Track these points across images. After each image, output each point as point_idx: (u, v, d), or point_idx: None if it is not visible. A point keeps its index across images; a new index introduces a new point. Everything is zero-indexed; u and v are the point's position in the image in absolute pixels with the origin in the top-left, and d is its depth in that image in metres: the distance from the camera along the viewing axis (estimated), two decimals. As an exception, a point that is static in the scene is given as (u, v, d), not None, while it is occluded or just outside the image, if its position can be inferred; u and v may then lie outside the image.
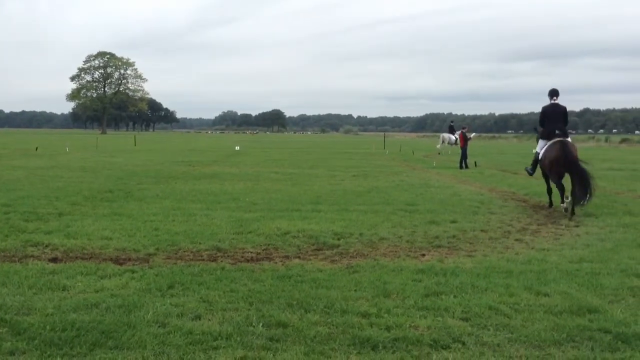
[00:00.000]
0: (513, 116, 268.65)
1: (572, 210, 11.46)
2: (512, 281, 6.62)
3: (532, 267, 7.29)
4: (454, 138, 38.27)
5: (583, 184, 11.46)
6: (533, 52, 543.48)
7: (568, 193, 11.86)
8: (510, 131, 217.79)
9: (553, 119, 12.75)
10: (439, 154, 38.94)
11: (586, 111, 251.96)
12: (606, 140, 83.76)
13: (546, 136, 12.77)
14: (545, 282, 6.61)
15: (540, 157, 12.94)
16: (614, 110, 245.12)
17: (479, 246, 8.69)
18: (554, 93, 12.95)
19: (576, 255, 8.01)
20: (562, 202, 12.14)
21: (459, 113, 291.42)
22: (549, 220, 11.28)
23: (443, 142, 40.83)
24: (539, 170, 13.59)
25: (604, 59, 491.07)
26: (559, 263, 7.56)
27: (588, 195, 11.43)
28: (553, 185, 12.80)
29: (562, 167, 12.07)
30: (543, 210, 12.53)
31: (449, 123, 43.91)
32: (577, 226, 10.53)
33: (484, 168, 26.14)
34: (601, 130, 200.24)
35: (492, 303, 5.79)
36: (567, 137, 12.56)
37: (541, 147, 12.98)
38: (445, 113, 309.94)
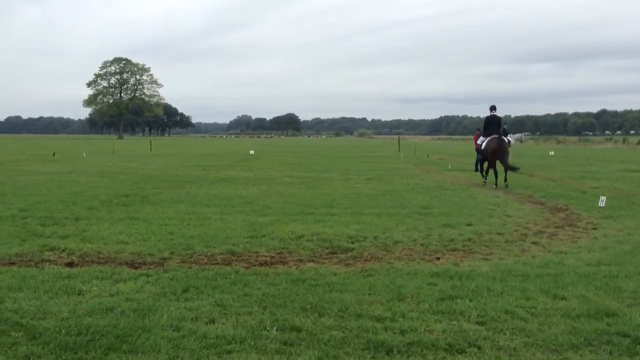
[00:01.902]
0: (529, 118, 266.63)
1: (505, 180, 18.13)
2: (528, 285, 6.54)
3: (549, 271, 7.21)
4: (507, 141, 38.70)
5: (510, 167, 18.02)
6: (549, 53, 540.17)
7: (495, 180, 18.28)
8: (526, 133, 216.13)
9: (492, 125, 18.78)
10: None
11: (603, 112, 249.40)
12: (624, 142, 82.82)
13: (486, 135, 18.83)
14: (562, 285, 6.53)
15: (482, 147, 18.90)
16: (631, 111, 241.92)
17: (494, 249, 8.62)
18: (492, 108, 19.01)
19: (594, 258, 7.91)
20: (486, 181, 19.09)
21: (474, 115, 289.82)
22: (566, 222, 11.16)
23: None
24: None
25: (621, 60, 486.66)
26: (577, 266, 7.47)
27: (511, 168, 18.05)
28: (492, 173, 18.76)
29: (496, 155, 18.14)
30: (560, 213, 12.40)
31: (502, 126, 43.99)
32: (594, 229, 10.41)
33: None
34: (618, 132, 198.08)
35: (508, 307, 5.73)
36: (502, 136, 18.61)
37: (482, 141, 19.23)
38: (460, 115, 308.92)
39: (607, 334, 5.05)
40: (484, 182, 19.07)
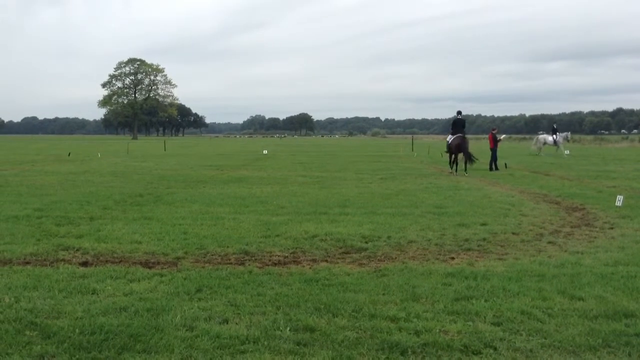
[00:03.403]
0: (544, 117, 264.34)
1: (465, 170, 22.70)
2: (545, 285, 6.47)
3: (565, 271, 7.12)
4: (551, 139, 38.71)
5: (469, 158, 22.36)
6: (565, 51, 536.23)
7: (455, 167, 23.15)
8: (541, 132, 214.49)
9: (457, 126, 23.35)
10: (537, 154, 38.93)
11: (619, 111, 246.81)
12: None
13: (453, 134, 23.31)
14: (579, 285, 6.45)
15: (449, 143, 23.45)
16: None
17: (510, 249, 8.53)
18: (459, 113, 23.78)
19: (611, 258, 7.81)
20: (451, 169, 23.42)
21: (488, 114, 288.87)
22: (582, 222, 11.03)
23: (537, 143, 41.21)
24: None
25: (636, 58, 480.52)
26: (594, 266, 7.37)
27: (470, 162, 22.45)
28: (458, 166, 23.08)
29: (459, 149, 22.57)
30: (576, 212, 12.26)
31: (552, 125, 43.85)
32: (611, 228, 10.28)
33: (514, 169, 25.76)
34: (635, 131, 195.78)
35: (524, 307, 5.66)
36: (465, 135, 22.95)
37: (449, 139, 23.71)
38: (475, 114, 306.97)
39: (626, 335, 4.97)
40: (450, 171, 23.32)
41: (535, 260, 7.71)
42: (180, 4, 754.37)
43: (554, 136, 38.77)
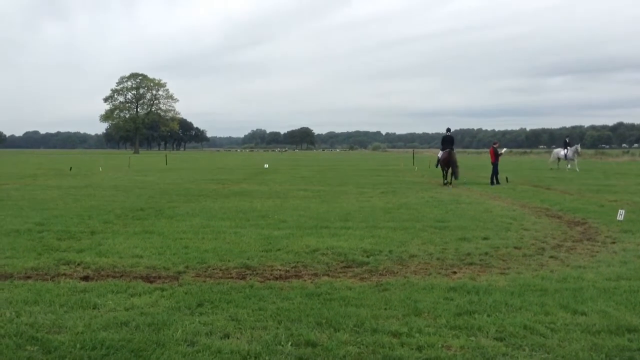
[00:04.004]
0: (544, 131, 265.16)
1: (450, 183, 24.95)
2: (547, 299, 6.44)
3: (567, 285, 7.10)
4: (563, 153, 38.65)
5: (455, 172, 24.74)
6: (566, 67, 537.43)
7: (448, 179, 25.28)
8: (542, 146, 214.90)
9: (446, 142, 25.84)
10: (555, 169, 38.82)
11: (620, 125, 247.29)
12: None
13: (442, 149, 25.87)
14: (582, 300, 6.42)
15: (440, 157, 26.04)
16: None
17: (512, 263, 8.51)
18: (448, 130, 26.47)
19: (613, 273, 7.78)
20: (444, 182, 25.32)
21: (489, 129, 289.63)
22: (584, 236, 11.01)
23: (553, 157, 41.07)
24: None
25: (637, 73, 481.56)
26: (596, 281, 7.35)
27: (457, 176, 24.97)
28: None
29: (447, 162, 24.99)
30: (578, 227, 12.25)
31: (564, 138, 43.55)
32: (613, 242, 10.26)
33: (516, 183, 25.75)
34: (635, 145, 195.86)
35: (527, 322, 5.64)
36: (453, 150, 25.43)
37: (440, 154, 26.34)
38: (475, 129, 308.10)
39: (629, 350, 4.95)
40: (445, 182, 25.47)
41: (537, 275, 7.69)
42: (184, 19, 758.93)
43: (565, 150, 38.58)
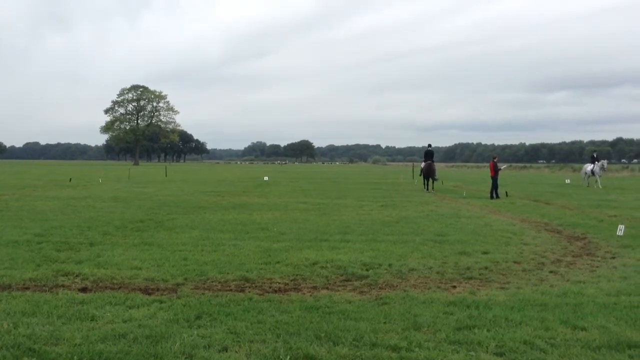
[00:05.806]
0: (544, 145, 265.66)
1: (431, 189, 30.75)
2: (547, 315, 6.42)
3: (568, 300, 7.07)
4: (590, 168, 36.89)
5: (434, 180, 31.30)
6: (565, 81, 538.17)
7: (427, 187, 31.15)
8: (541, 161, 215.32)
9: (428, 156, 31.68)
10: (588, 186, 36.44)
11: (619, 141, 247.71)
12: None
13: (425, 161, 31.72)
14: (582, 315, 6.40)
15: (422, 168, 32.03)
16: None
17: (512, 278, 8.49)
18: (429, 145, 32.58)
19: (613, 288, 7.76)
20: (426, 190, 30.93)
21: (488, 143, 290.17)
22: (584, 251, 10.99)
23: (582, 174, 39.02)
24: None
25: (636, 89, 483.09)
26: (596, 296, 7.33)
27: (434, 184, 31.61)
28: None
29: (427, 173, 31.02)
30: (578, 242, 12.23)
31: (592, 153, 41.86)
32: (613, 258, 10.24)
33: (515, 198, 25.75)
34: (635, 160, 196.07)
35: (527, 337, 5.61)
36: (433, 163, 31.52)
37: (422, 165, 32.55)
38: (475, 143, 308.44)
39: (630, 366, 4.91)
40: (426, 190, 30.93)
41: (537, 290, 7.67)
42: (186, 31, 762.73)
43: (592, 165, 36.88)
